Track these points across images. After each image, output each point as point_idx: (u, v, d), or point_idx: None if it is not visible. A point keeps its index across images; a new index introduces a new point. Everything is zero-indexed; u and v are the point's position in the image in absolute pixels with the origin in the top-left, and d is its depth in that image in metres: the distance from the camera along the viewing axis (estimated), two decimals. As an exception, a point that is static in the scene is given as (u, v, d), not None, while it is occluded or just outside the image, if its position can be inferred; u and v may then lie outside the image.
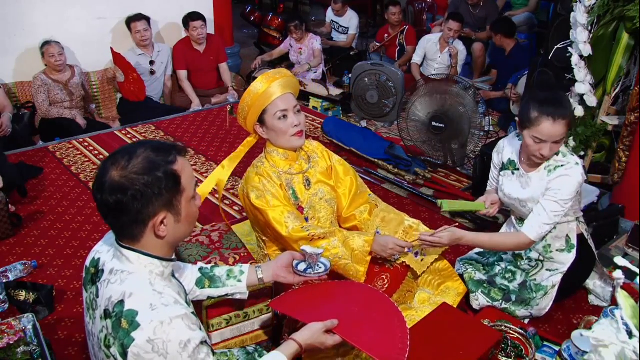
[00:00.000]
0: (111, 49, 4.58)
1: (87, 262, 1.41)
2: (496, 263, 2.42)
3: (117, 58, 4.58)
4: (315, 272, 1.73)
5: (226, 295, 1.74)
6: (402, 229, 2.13)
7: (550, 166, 2.15)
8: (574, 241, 2.28)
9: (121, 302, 1.23)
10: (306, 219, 2.06)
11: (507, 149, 2.31)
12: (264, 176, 2.02)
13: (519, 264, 2.39)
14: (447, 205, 2.23)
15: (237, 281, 1.72)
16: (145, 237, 1.28)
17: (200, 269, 1.72)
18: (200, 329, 1.28)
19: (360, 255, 1.91)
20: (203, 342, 1.26)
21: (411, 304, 2.12)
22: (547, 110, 2.01)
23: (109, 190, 1.22)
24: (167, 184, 1.25)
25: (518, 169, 2.25)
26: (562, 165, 2.12)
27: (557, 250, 2.29)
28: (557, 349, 1.98)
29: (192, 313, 1.29)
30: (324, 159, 2.21)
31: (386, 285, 2.04)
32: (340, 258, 1.91)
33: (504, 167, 2.31)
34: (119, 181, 1.21)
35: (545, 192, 2.13)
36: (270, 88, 1.95)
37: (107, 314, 1.25)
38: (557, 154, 2.14)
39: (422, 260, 2.08)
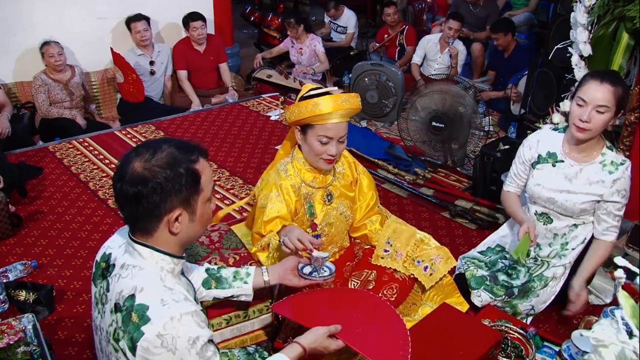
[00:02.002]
0: (111, 49, 4.58)
1: (98, 257, 1.43)
2: (499, 260, 2.42)
3: (117, 58, 4.57)
4: (321, 275, 1.75)
5: (232, 296, 1.75)
6: (414, 242, 2.13)
7: (606, 161, 2.17)
8: (586, 241, 2.31)
9: (132, 297, 1.24)
10: (317, 237, 2.05)
11: (543, 142, 2.30)
12: (281, 190, 1.99)
13: (524, 261, 2.39)
14: (520, 253, 2.19)
15: (243, 283, 1.74)
16: (158, 232, 1.30)
17: (207, 270, 1.74)
18: (208, 327, 1.29)
19: (273, 235, 1.93)
20: (210, 341, 1.28)
21: (414, 317, 2.12)
22: (597, 73, 2.07)
23: (130, 180, 1.23)
24: (187, 181, 1.27)
25: (562, 161, 2.25)
26: (622, 164, 2.16)
27: (571, 249, 2.31)
28: (557, 349, 1.98)
29: (202, 310, 1.31)
30: (351, 170, 2.16)
31: (395, 295, 2.04)
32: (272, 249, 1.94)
33: (539, 161, 2.30)
34: (141, 172, 1.23)
35: (608, 190, 2.16)
36: (332, 113, 1.86)
37: (117, 308, 1.27)
38: (610, 148, 2.18)
39: (430, 275, 2.08)
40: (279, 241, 1.84)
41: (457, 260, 2.48)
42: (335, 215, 2.09)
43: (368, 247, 2.24)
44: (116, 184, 1.27)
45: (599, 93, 2.02)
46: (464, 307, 2.23)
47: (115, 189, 1.28)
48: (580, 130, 2.09)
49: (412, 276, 2.09)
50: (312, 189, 2.04)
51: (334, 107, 1.84)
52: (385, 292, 2.04)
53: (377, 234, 2.19)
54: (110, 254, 1.39)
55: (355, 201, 2.17)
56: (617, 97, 2.03)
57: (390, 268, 2.10)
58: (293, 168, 2.04)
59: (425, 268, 2.08)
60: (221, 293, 1.73)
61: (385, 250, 2.13)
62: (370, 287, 2.06)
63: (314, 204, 2.05)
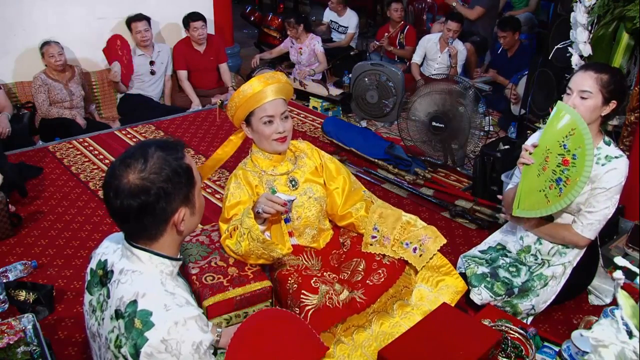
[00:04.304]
0: (103, 50, 4.63)
1: (93, 265, 1.41)
2: (500, 258, 2.42)
3: (108, 49, 4.62)
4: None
5: None
6: (400, 224, 2.14)
7: (600, 154, 2.16)
8: None
9: (134, 302, 1.24)
10: (287, 220, 2.09)
11: None
12: (239, 178, 2.07)
13: (524, 259, 2.39)
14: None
15: None
16: (165, 236, 1.31)
17: None
18: (210, 332, 1.29)
19: (246, 213, 1.90)
20: (211, 345, 1.28)
21: (408, 301, 2.12)
22: (584, 64, 2.15)
23: (130, 194, 1.22)
24: (184, 178, 1.28)
25: None
26: (617, 157, 2.14)
27: (572, 247, 2.31)
28: (557, 349, 1.98)
29: (203, 313, 1.31)
30: (313, 158, 2.23)
31: (382, 280, 2.04)
32: (245, 228, 1.90)
33: None
34: (140, 184, 1.22)
35: (595, 185, 2.14)
36: (262, 92, 1.98)
37: (118, 314, 1.26)
38: (607, 143, 2.18)
39: (420, 255, 2.08)
40: (255, 212, 1.86)
41: (457, 259, 2.49)
42: (305, 199, 2.13)
43: (355, 235, 2.26)
44: (114, 201, 1.24)
45: (581, 79, 2.11)
46: (462, 287, 2.19)
47: (112, 206, 1.25)
48: None
49: (401, 259, 2.09)
50: (273, 177, 2.12)
51: (261, 84, 1.98)
52: (372, 278, 2.04)
53: (363, 221, 2.21)
54: (106, 260, 1.37)
55: (326, 187, 2.22)
56: (601, 83, 2.07)
57: (379, 254, 2.11)
58: (252, 162, 2.13)
59: (415, 249, 2.09)
60: None
61: (373, 237, 2.15)
62: (359, 278, 2.07)
63: (277, 189, 2.10)
